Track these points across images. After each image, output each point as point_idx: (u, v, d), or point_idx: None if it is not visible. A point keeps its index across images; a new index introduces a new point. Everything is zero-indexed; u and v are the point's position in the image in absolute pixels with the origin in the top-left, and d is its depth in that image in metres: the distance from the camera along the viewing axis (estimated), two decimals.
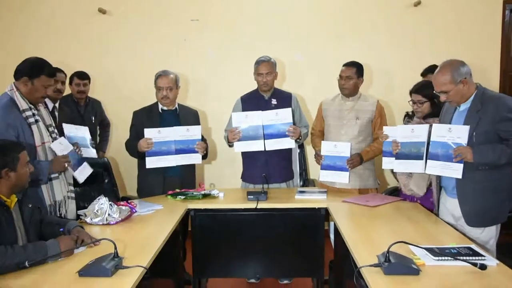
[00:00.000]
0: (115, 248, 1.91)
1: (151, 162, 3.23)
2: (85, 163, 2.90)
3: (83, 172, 2.86)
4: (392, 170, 3.14)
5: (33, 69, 2.55)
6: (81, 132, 3.05)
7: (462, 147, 2.45)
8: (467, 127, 2.47)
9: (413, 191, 2.95)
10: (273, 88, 3.53)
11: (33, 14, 4.65)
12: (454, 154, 2.47)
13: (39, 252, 1.94)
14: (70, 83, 4.03)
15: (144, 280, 1.90)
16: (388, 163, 3.00)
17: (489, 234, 2.52)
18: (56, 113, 3.49)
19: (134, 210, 2.78)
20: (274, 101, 3.47)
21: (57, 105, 3.54)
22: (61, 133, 2.91)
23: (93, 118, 4.17)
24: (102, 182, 3.85)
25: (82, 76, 4.06)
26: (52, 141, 2.69)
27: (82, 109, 4.11)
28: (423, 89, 2.91)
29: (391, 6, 4.50)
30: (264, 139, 3.29)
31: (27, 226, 2.14)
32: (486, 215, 2.50)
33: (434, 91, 2.57)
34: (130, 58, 4.64)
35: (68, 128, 3.04)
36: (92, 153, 3.05)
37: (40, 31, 4.62)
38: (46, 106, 2.88)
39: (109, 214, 2.60)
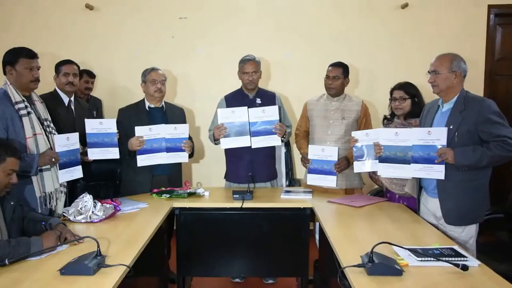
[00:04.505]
0: (98, 246, 1.90)
1: (142, 161, 3.20)
2: (77, 167, 2.86)
3: (69, 174, 2.81)
4: (371, 172, 3.17)
5: (11, 56, 2.64)
6: (107, 126, 2.99)
7: (444, 148, 2.48)
8: (445, 129, 2.50)
9: (407, 193, 2.94)
10: (258, 88, 3.52)
11: (19, 10, 4.58)
12: (437, 154, 2.49)
13: (22, 247, 1.92)
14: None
15: (127, 278, 1.88)
16: (359, 167, 3.01)
17: (469, 233, 2.55)
18: (72, 107, 3.39)
19: (118, 208, 2.76)
20: (258, 101, 3.46)
21: (72, 98, 3.41)
22: (82, 126, 2.98)
23: (95, 113, 4.12)
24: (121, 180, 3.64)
25: (91, 74, 4.18)
26: (46, 135, 2.70)
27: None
28: (406, 86, 2.99)
29: (379, 8, 4.53)
30: (250, 136, 3.28)
31: (9, 222, 2.12)
32: (466, 214, 2.53)
33: (428, 70, 2.59)
34: (117, 55, 4.59)
35: (91, 123, 2.98)
36: (114, 153, 3.01)
37: (26, 27, 4.55)
38: (43, 101, 2.85)
39: (92, 212, 2.58)
